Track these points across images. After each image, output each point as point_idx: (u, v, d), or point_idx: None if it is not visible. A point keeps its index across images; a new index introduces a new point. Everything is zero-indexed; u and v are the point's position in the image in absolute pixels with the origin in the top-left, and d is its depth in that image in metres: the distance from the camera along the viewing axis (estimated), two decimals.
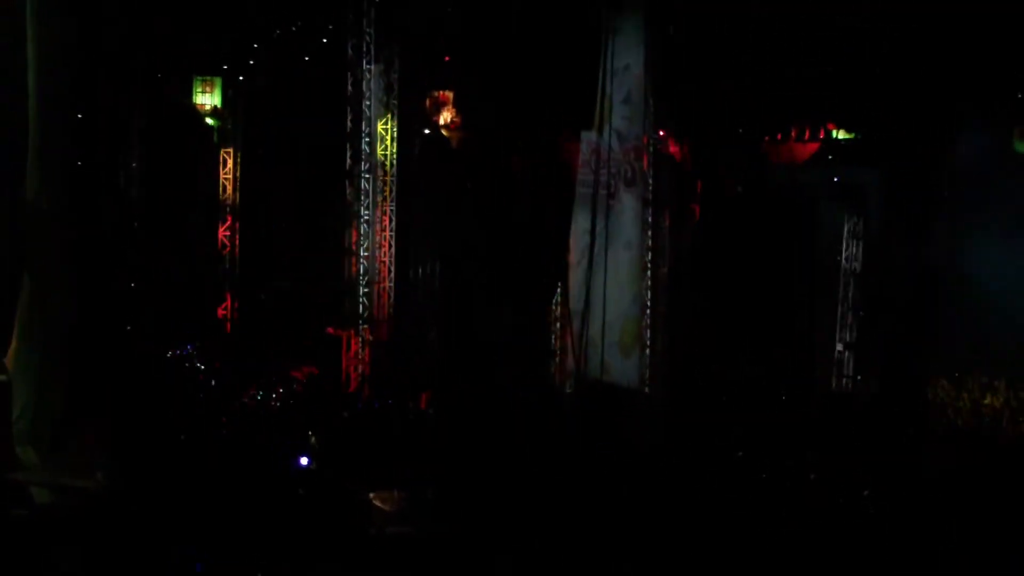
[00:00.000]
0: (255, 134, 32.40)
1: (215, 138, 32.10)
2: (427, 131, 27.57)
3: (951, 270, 22.15)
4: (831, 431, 21.04)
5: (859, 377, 22.06)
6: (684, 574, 16.44)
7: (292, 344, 30.92)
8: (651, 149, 24.26)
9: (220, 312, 32.32)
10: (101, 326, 22.43)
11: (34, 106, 20.52)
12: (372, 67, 28.73)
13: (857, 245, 21.55)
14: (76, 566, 15.94)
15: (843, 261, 22.01)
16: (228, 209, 32.39)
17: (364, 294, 28.87)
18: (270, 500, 19.06)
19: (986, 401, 23.82)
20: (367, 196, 28.89)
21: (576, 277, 26.10)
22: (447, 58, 27.59)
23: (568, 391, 27.01)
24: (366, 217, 28.90)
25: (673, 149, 24.10)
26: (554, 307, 27.66)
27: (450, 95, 28.80)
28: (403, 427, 24.95)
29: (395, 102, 30.14)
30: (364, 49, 28.00)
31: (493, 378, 26.45)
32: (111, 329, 22.96)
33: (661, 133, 24.18)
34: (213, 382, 27.48)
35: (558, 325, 27.94)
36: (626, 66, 24.56)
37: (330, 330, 29.38)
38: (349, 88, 28.35)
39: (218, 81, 31.44)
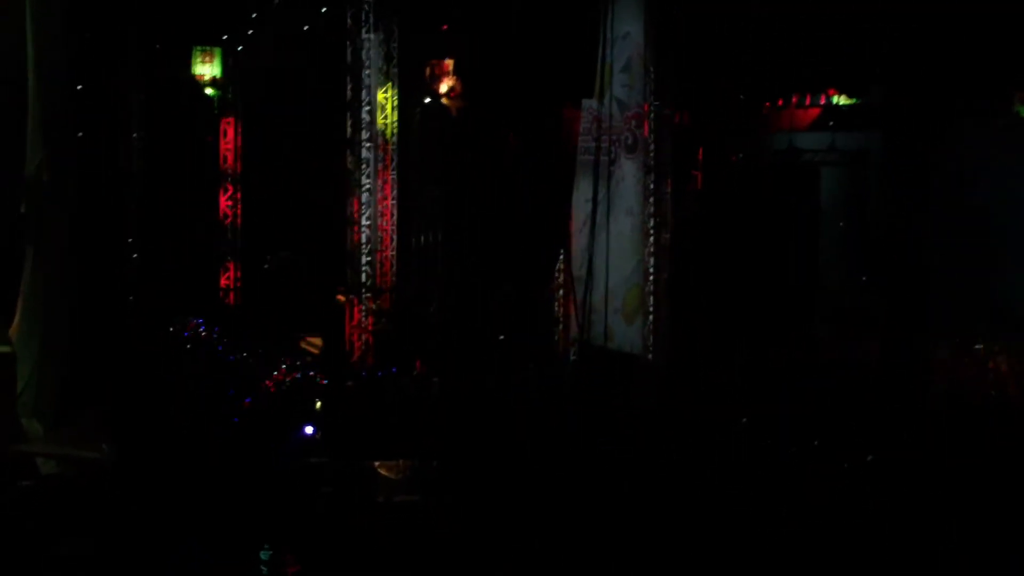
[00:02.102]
0: (255, 104, 32.36)
1: (215, 108, 32.08)
2: (427, 100, 27.52)
3: (953, 234, 22.13)
4: (833, 396, 21.07)
5: (861, 341, 22.05)
6: (685, 545, 16.50)
7: (295, 313, 30.97)
8: (652, 116, 24.24)
9: (223, 282, 32.39)
10: (104, 298, 22.48)
11: (33, 79, 20.49)
12: (371, 36, 28.66)
13: (859, 210, 21.50)
14: (82, 536, 16.03)
15: (845, 226, 21.95)
16: (229, 179, 32.40)
17: (366, 263, 28.89)
18: (275, 469, 19.15)
19: (991, 366, 23.85)
20: (368, 165, 28.86)
21: (578, 244, 26.13)
22: (445, 27, 27.52)
23: (572, 358, 27.08)
24: (367, 186, 28.88)
25: (674, 116, 24.05)
26: (557, 274, 27.69)
27: (450, 64, 28.74)
28: (407, 396, 25.00)
29: (395, 71, 30.07)
30: (363, 18, 27.92)
31: (496, 346, 26.51)
32: (114, 301, 23.02)
33: (662, 100, 24.12)
34: (217, 353, 27.53)
35: (561, 293, 27.99)
36: (626, 33, 24.51)
37: (339, 297, 29.41)
38: (349, 57, 28.29)
39: (217, 51, 31.40)
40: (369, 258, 28.93)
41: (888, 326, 20.56)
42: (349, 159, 28.81)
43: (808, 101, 22.50)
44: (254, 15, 29.43)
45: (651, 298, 24.28)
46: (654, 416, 22.96)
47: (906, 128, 20.43)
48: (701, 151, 24.39)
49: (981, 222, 24.19)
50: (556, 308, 28.25)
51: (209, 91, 31.98)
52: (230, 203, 32.31)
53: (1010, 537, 16.09)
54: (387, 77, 30.16)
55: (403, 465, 18.82)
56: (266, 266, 32.04)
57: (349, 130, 28.66)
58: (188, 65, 31.33)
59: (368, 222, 28.82)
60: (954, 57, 19.83)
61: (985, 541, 16.05)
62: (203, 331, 28.99)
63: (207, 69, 31.64)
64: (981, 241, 24.02)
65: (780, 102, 22.89)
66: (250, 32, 30.47)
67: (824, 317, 22.41)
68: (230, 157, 32.30)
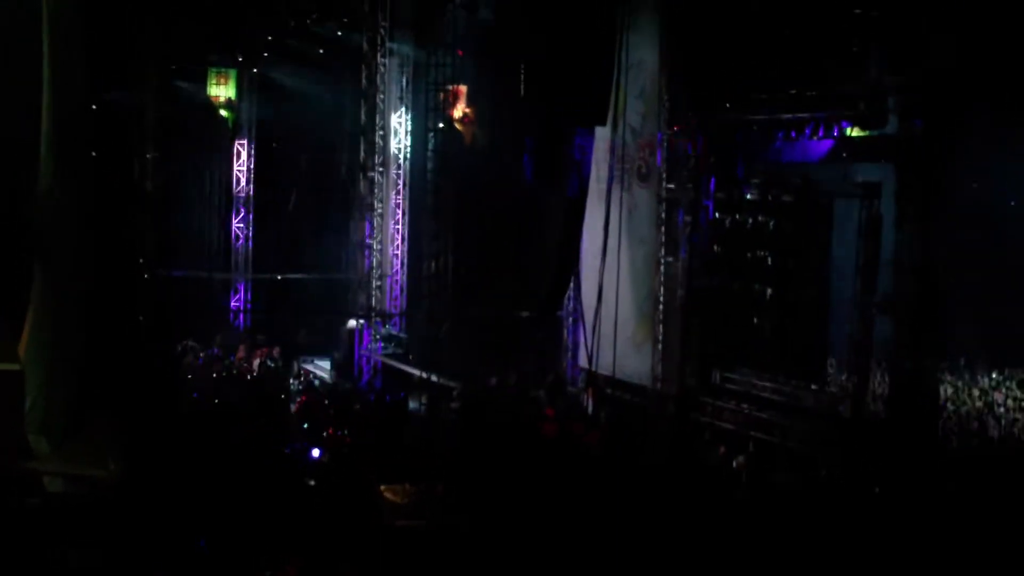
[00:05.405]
0: (269, 126, 32.48)
1: (229, 130, 32.21)
2: (441, 125, 27.57)
3: (965, 266, 22.02)
4: (842, 430, 20.96)
5: (871, 374, 21.91)
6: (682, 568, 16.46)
7: (305, 335, 31.01)
8: (665, 144, 24.22)
9: (233, 303, 32.44)
10: (114, 316, 22.48)
11: (48, 97, 20.56)
12: (386, 61, 28.78)
13: (872, 241, 21.38)
14: (89, 555, 16.00)
15: (857, 258, 21.82)
16: (242, 201, 32.50)
17: (376, 287, 28.90)
18: (281, 491, 19.11)
19: (998, 399, 23.67)
20: (380, 189, 28.94)
21: (590, 272, 26.07)
22: (460, 52, 27.57)
23: (580, 386, 27.02)
24: (379, 210, 28.93)
25: (687, 145, 24.02)
26: (567, 302, 27.66)
27: (464, 90, 28.85)
28: (414, 420, 24.98)
29: (409, 96, 30.21)
30: (379, 43, 28.04)
31: (505, 373, 26.47)
32: (123, 320, 23.01)
33: (675, 128, 24.09)
34: (226, 374, 27.55)
35: (571, 320, 27.94)
36: (640, 61, 24.52)
37: (351, 323, 29.47)
38: (363, 81, 28.40)
39: (233, 73, 31.58)
40: (380, 282, 28.97)
41: (900, 358, 20.42)
42: (362, 183, 28.91)
43: (822, 133, 22.38)
44: (269, 38, 29.54)
45: (661, 327, 24.20)
46: (662, 444, 22.90)
47: (920, 158, 20.30)
48: (714, 181, 24.32)
49: (997, 251, 24.11)
50: (566, 335, 28.21)
51: (224, 112, 32.14)
52: (241, 225, 32.41)
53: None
54: (401, 102, 30.29)
55: (409, 489, 18.78)
56: (276, 288, 32.16)
57: (362, 154, 28.75)
58: (204, 86, 31.51)
59: (379, 246, 28.87)
60: (966, 88, 19.75)
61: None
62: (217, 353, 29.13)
63: (222, 90, 31.83)
64: (995, 272, 23.95)
65: (793, 133, 22.78)
66: (265, 55, 30.60)
67: (834, 346, 22.26)
68: (243, 179, 32.41)
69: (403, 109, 30.25)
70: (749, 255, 23.18)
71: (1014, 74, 18.77)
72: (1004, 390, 24.14)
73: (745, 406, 22.75)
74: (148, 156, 24.12)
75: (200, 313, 30.61)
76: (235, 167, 32.44)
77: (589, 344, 24.11)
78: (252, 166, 32.51)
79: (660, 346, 24.19)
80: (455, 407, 25.12)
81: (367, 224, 28.73)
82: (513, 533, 17.36)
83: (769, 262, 22.86)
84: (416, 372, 27.48)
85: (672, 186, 24.12)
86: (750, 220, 23.32)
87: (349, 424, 23.15)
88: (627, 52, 23.62)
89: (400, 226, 30.10)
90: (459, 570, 16.20)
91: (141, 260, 24.14)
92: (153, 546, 16.18)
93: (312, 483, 20.03)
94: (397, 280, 30.00)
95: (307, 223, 32.26)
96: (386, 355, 29.04)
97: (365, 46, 28.38)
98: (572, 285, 26.98)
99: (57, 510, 17.72)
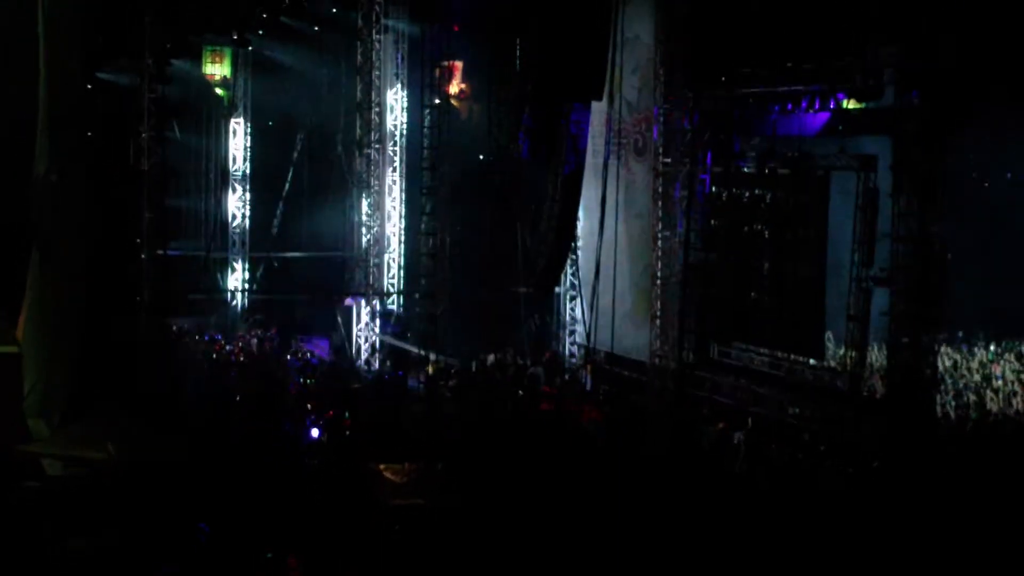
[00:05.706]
0: (265, 104, 32.38)
1: (225, 108, 32.12)
2: (437, 101, 27.48)
3: (962, 238, 22.01)
4: (840, 404, 20.97)
5: (868, 348, 21.91)
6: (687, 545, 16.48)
7: (303, 314, 30.98)
8: (661, 119, 24.15)
9: (231, 283, 32.40)
10: (112, 298, 22.50)
11: (44, 81, 20.54)
12: (382, 37, 28.67)
13: (869, 214, 21.33)
14: (87, 537, 16.05)
15: (854, 231, 21.78)
16: (238, 180, 32.42)
17: (374, 265, 28.85)
18: (281, 472, 19.15)
19: (997, 372, 23.75)
20: (377, 166, 28.85)
21: (587, 247, 26.07)
22: (456, 28, 27.47)
23: (578, 362, 27.04)
24: (376, 188, 28.87)
25: (683, 119, 23.94)
26: (565, 278, 27.64)
27: (460, 65, 28.71)
28: (412, 399, 24.97)
29: (405, 72, 30.14)
30: (374, 19, 27.95)
31: (502, 350, 26.48)
32: (121, 302, 23.03)
33: (671, 102, 24.00)
34: (225, 354, 27.55)
35: (569, 296, 27.93)
36: (636, 36, 24.48)
37: (348, 301, 29.37)
38: (359, 58, 28.29)
39: (228, 51, 31.48)
40: (377, 260, 28.91)
41: (898, 331, 20.39)
42: (358, 160, 28.81)
43: (818, 105, 22.30)
44: (265, 16, 29.42)
45: (659, 302, 24.16)
46: (662, 421, 22.90)
47: (916, 132, 20.24)
48: (710, 154, 24.26)
49: (991, 225, 24.13)
50: (564, 312, 28.21)
51: (219, 91, 32.06)
52: (238, 203, 32.32)
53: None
54: (397, 78, 30.25)
55: (408, 468, 18.76)
56: (274, 266, 32.11)
57: (359, 131, 28.65)
58: (199, 64, 31.42)
59: (376, 224, 28.82)
60: (964, 65, 19.67)
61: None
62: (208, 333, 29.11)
63: (217, 69, 31.74)
64: (991, 244, 23.97)
65: (789, 106, 22.71)
66: (260, 33, 30.49)
67: (834, 322, 22.23)
68: (239, 158, 32.33)
69: (399, 86, 30.20)
70: (746, 229, 23.11)
71: (1012, 51, 18.76)
72: (1002, 363, 24.31)
73: (743, 381, 22.75)
74: (144, 136, 24.05)
75: (197, 292, 30.55)
76: (231, 145, 32.35)
77: (587, 320, 24.12)
78: (248, 144, 32.42)
79: (658, 321, 24.14)
80: (452, 384, 25.09)
81: (364, 202, 28.66)
82: (510, 510, 17.39)
83: (766, 235, 22.77)
84: (414, 350, 27.46)
85: (668, 160, 24.04)
86: (747, 194, 23.23)
87: (348, 403, 23.10)
88: (622, 27, 23.56)
89: (397, 203, 30.07)
90: (457, 549, 16.24)
91: (138, 240, 24.11)
92: (154, 529, 16.22)
93: (311, 463, 20.02)
94: (394, 258, 29.99)
95: (303, 201, 32.18)
96: (384, 333, 29.02)
97: (360, 22, 28.24)
98: (570, 260, 26.97)
99: (56, 494, 17.76)
